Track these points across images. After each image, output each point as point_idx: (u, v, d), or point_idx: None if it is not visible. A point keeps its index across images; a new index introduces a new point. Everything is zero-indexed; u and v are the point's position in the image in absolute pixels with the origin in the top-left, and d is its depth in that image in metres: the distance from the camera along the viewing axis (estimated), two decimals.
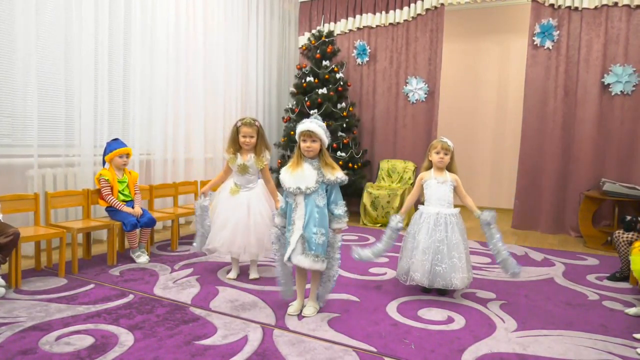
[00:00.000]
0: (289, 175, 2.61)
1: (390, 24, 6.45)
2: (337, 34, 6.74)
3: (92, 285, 3.12)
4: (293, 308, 2.72)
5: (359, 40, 6.64)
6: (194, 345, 2.26)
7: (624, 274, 3.53)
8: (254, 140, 3.24)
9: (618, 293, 3.26)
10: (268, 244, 3.16)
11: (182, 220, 5.23)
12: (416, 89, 6.26)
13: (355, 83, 6.69)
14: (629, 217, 3.56)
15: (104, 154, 3.82)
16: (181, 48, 5.16)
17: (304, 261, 2.56)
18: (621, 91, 5.11)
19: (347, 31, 6.74)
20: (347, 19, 6.72)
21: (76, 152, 4.16)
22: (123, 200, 3.78)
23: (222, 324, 2.54)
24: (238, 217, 3.20)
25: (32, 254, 3.58)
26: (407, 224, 3.29)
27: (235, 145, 3.28)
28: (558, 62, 5.43)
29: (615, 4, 5.09)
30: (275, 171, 5.91)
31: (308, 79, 6.05)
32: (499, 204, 7.24)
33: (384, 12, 6.45)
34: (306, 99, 5.98)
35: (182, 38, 5.16)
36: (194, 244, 3.44)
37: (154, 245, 4.28)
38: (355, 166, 5.95)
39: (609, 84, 5.16)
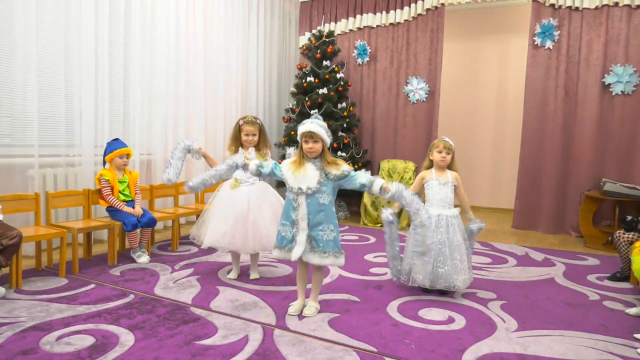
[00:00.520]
0: (290, 175, 2.62)
1: (390, 24, 6.45)
2: (338, 34, 6.74)
3: (92, 285, 3.12)
4: (294, 308, 2.72)
5: (359, 40, 6.64)
6: (195, 345, 2.26)
7: (624, 274, 3.53)
8: (256, 138, 3.27)
9: (619, 293, 3.26)
10: (267, 242, 3.16)
11: (182, 220, 5.22)
12: (417, 89, 6.26)
13: (356, 83, 6.69)
14: (629, 217, 3.56)
15: (105, 154, 3.82)
16: (181, 48, 5.16)
17: (313, 258, 2.58)
18: (622, 91, 5.10)
19: (348, 31, 6.74)
20: (347, 19, 6.72)
21: (77, 152, 4.16)
22: (123, 200, 3.78)
23: (223, 324, 2.54)
24: (238, 210, 3.20)
25: (33, 254, 3.58)
26: (408, 224, 3.29)
27: (237, 143, 3.30)
28: (558, 62, 5.42)
29: (616, 4, 5.09)
30: None
31: (308, 79, 6.04)
32: (499, 204, 7.25)
33: (384, 12, 6.45)
34: (306, 99, 5.98)
35: (182, 38, 5.17)
36: (164, 175, 3.35)
37: (154, 245, 4.28)
38: (356, 166, 5.94)
39: (609, 84, 5.16)
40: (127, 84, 4.61)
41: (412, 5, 6.24)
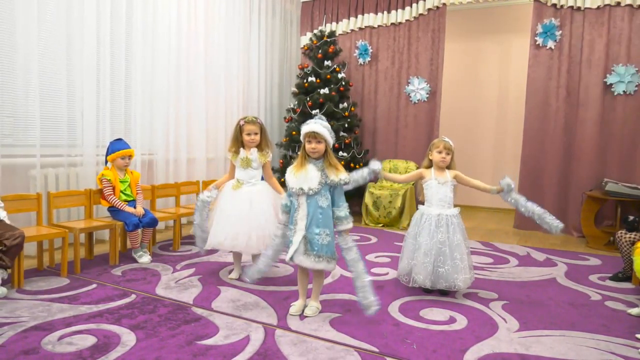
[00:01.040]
0: (292, 176, 2.61)
1: (392, 23, 6.45)
2: (339, 34, 6.74)
3: (94, 285, 3.12)
4: (295, 308, 2.72)
5: (360, 40, 6.64)
6: (196, 345, 2.27)
7: (626, 274, 3.52)
8: (257, 137, 3.27)
9: (620, 293, 3.25)
10: (270, 241, 3.16)
11: (184, 220, 5.22)
12: (418, 88, 6.26)
13: (357, 83, 6.69)
14: (631, 217, 3.55)
15: (107, 154, 3.82)
16: (183, 48, 5.17)
17: (305, 261, 2.57)
18: (623, 91, 5.10)
19: (349, 31, 6.74)
20: (348, 19, 6.72)
21: (78, 152, 4.17)
22: (125, 200, 3.79)
23: (224, 324, 2.54)
24: (240, 211, 3.19)
25: (35, 254, 3.58)
26: (408, 224, 3.29)
27: (238, 143, 3.29)
28: (560, 62, 5.42)
29: (618, 3, 5.08)
30: (277, 171, 5.91)
31: (310, 78, 6.05)
32: (501, 204, 7.21)
33: (385, 12, 6.45)
34: (308, 99, 5.98)
35: (183, 38, 5.17)
36: (198, 245, 3.39)
37: (156, 245, 4.28)
38: (357, 166, 5.95)
39: (611, 84, 5.15)
40: (128, 84, 4.61)
41: (414, 5, 6.24)
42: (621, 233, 3.51)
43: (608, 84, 5.16)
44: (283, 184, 2.84)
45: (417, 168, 5.92)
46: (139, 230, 3.73)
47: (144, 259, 3.73)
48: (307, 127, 2.59)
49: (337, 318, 2.66)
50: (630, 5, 5.03)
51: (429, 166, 3.20)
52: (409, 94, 6.34)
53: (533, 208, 3.02)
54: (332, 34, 6.27)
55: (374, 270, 3.69)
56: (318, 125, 2.57)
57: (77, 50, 4.07)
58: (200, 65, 5.41)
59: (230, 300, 2.92)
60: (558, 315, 2.81)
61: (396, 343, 2.35)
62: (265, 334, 2.42)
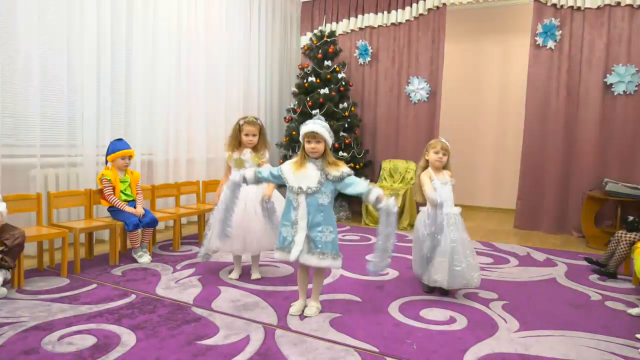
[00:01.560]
0: (291, 174, 2.62)
1: (392, 24, 6.45)
2: (339, 34, 6.74)
3: (94, 285, 3.12)
4: (295, 308, 2.72)
5: (360, 40, 6.64)
6: (196, 345, 2.27)
7: (610, 271, 3.55)
8: (256, 138, 3.26)
9: (620, 293, 3.25)
10: (267, 243, 3.15)
11: (184, 220, 5.23)
12: (418, 89, 6.26)
13: (357, 83, 6.69)
14: (631, 218, 3.56)
15: (107, 153, 3.82)
16: (183, 48, 5.17)
17: (310, 259, 2.58)
18: (624, 91, 5.10)
19: (349, 31, 6.74)
20: (349, 19, 6.72)
21: (78, 152, 4.17)
22: (125, 200, 3.79)
23: (224, 324, 2.54)
24: (236, 213, 3.17)
25: (35, 254, 3.58)
26: (410, 224, 3.28)
27: (236, 142, 3.28)
28: (560, 62, 5.42)
29: (618, 3, 5.08)
30: None
31: (310, 79, 6.05)
32: (501, 204, 7.24)
33: (385, 12, 6.45)
34: (308, 99, 5.98)
35: (183, 38, 5.17)
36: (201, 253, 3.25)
37: (156, 245, 4.28)
38: (357, 166, 5.95)
39: (611, 84, 5.15)
40: (128, 85, 4.61)
41: (414, 5, 6.24)
42: (621, 233, 3.51)
43: (608, 84, 5.16)
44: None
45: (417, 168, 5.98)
46: (139, 231, 3.73)
47: (144, 259, 3.73)
48: (306, 127, 2.60)
49: (337, 318, 2.66)
50: (630, 6, 5.03)
51: (425, 166, 3.20)
52: (409, 94, 6.34)
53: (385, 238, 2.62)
54: (332, 34, 6.27)
55: None
56: (317, 125, 2.58)
57: (77, 51, 4.07)
58: (201, 65, 5.41)
59: (230, 300, 2.92)
60: (558, 315, 2.81)
61: (396, 343, 2.35)
62: (265, 334, 2.42)
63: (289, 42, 7.19)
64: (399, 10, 6.35)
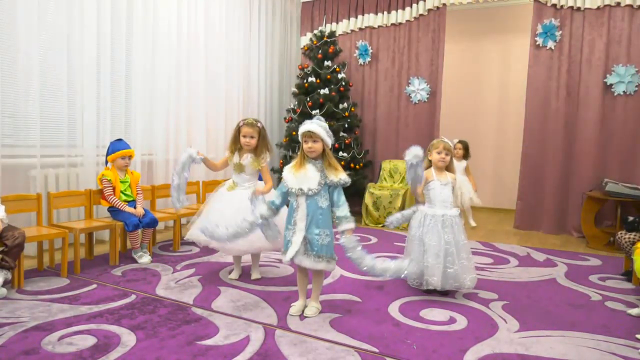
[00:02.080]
0: (292, 176, 2.62)
1: (392, 24, 6.45)
2: (339, 34, 6.75)
3: (94, 286, 3.12)
4: (295, 308, 2.72)
5: (360, 41, 6.64)
6: (196, 345, 2.27)
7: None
8: (254, 141, 3.23)
9: (620, 293, 3.25)
10: (261, 245, 3.13)
11: (184, 220, 5.22)
12: (418, 89, 6.26)
13: (357, 83, 6.69)
14: (631, 218, 3.55)
15: (107, 154, 3.82)
16: (183, 48, 5.17)
17: (305, 261, 2.58)
18: (624, 91, 5.10)
19: (349, 31, 6.74)
20: (349, 19, 6.72)
21: (79, 152, 4.17)
22: (125, 201, 3.79)
23: (224, 324, 2.54)
24: (230, 213, 3.17)
25: (35, 254, 3.58)
26: (408, 225, 3.28)
27: (236, 144, 3.27)
28: (560, 63, 5.42)
29: (618, 4, 5.08)
30: (277, 172, 5.91)
31: (310, 79, 6.05)
32: (501, 204, 7.24)
33: (385, 13, 6.45)
34: (308, 99, 5.99)
35: (183, 38, 5.17)
36: (172, 200, 3.16)
37: (156, 245, 4.29)
38: (357, 166, 5.96)
39: (611, 84, 5.15)
40: (128, 85, 4.62)
41: (414, 5, 6.24)
42: (621, 233, 3.51)
43: (608, 84, 5.17)
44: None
45: None
46: (139, 231, 3.74)
47: (144, 259, 3.73)
48: (303, 127, 2.60)
49: (337, 318, 2.66)
50: (630, 6, 5.03)
51: (428, 167, 3.20)
52: (409, 94, 6.34)
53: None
54: (332, 34, 6.27)
55: None
56: (314, 124, 2.58)
57: (77, 51, 4.07)
58: (201, 65, 5.41)
59: (230, 300, 2.92)
60: (558, 316, 2.81)
61: (396, 343, 2.35)
62: (265, 334, 2.42)
63: (289, 43, 7.19)
64: (399, 10, 6.36)
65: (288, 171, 2.65)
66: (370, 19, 6.55)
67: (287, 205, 2.75)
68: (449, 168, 3.18)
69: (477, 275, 3.15)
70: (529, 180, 5.63)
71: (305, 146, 2.60)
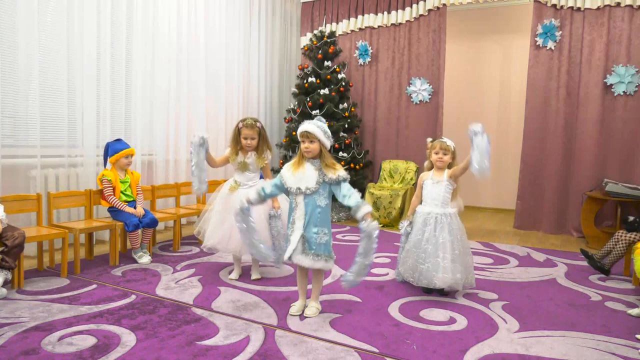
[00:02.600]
0: (290, 175, 2.62)
1: (392, 24, 6.45)
2: (339, 35, 6.75)
3: (94, 286, 3.12)
4: (295, 308, 2.72)
5: (360, 41, 6.64)
6: (196, 345, 2.27)
7: (605, 268, 3.58)
8: (255, 142, 3.24)
9: (620, 294, 3.25)
10: (268, 243, 3.15)
11: (184, 220, 5.23)
12: (420, 89, 6.26)
13: (357, 83, 6.69)
14: (631, 218, 3.56)
15: (107, 155, 3.82)
16: (183, 48, 5.17)
17: (304, 260, 2.58)
18: (624, 91, 5.10)
19: (349, 32, 6.74)
20: (349, 19, 6.72)
21: (79, 152, 4.17)
22: (125, 201, 3.79)
23: (224, 324, 2.54)
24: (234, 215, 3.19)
25: (35, 254, 3.58)
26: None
27: (237, 145, 3.28)
28: (560, 63, 5.42)
29: (618, 4, 5.08)
30: (278, 171, 5.90)
31: (310, 79, 6.05)
32: (502, 204, 7.24)
33: (385, 13, 6.45)
34: (308, 99, 5.98)
35: (183, 38, 5.17)
36: (194, 186, 3.15)
37: (156, 245, 4.28)
38: (357, 166, 5.95)
39: (611, 85, 5.15)
40: (128, 85, 4.62)
41: (414, 5, 6.24)
42: (621, 233, 3.51)
43: (608, 84, 5.17)
44: None
45: (417, 169, 6.00)
46: (139, 231, 3.74)
47: (144, 259, 3.73)
48: (301, 128, 2.61)
49: (337, 318, 2.66)
50: (630, 6, 5.03)
51: (431, 167, 3.23)
52: (410, 94, 6.34)
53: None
54: (332, 34, 6.27)
55: (373, 270, 3.68)
56: (311, 125, 2.59)
57: (77, 51, 4.07)
58: (201, 65, 5.41)
59: (230, 300, 2.92)
60: (558, 316, 2.81)
61: (396, 343, 2.35)
62: (266, 334, 2.42)
63: (289, 43, 7.19)
64: (399, 10, 6.36)
65: (287, 169, 2.66)
66: (370, 19, 6.55)
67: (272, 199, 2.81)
68: (450, 167, 3.19)
69: (460, 278, 2.99)
70: (529, 180, 5.63)
71: (302, 146, 2.61)
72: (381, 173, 6.26)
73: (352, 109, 6.12)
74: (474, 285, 3.20)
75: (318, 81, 6.02)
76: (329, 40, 6.17)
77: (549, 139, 5.50)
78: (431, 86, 6.19)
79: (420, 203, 3.23)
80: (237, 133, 3.26)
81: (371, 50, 6.59)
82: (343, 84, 6.06)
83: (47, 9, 3.86)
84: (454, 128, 7.06)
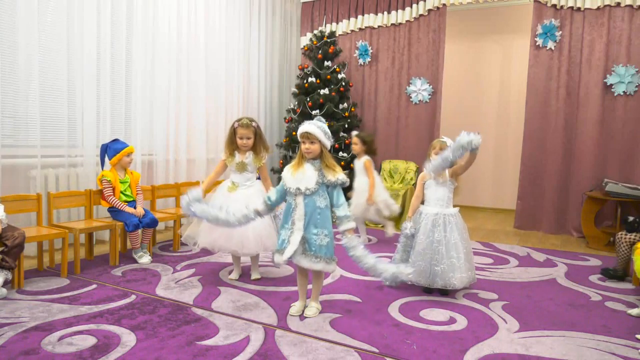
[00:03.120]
0: (290, 175, 2.62)
1: (392, 24, 6.45)
2: (339, 35, 6.75)
3: (94, 286, 3.12)
4: (295, 308, 2.72)
5: (360, 41, 6.64)
6: (196, 345, 2.27)
7: (618, 274, 3.54)
8: (251, 141, 3.23)
9: (620, 294, 3.25)
10: (267, 242, 3.16)
11: (184, 220, 5.23)
12: (420, 89, 6.26)
13: (357, 83, 6.69)
14: (631, 218, 3.55)
15: (106, 156, 3.81)
16: (183, 48, 5.17)
17: (303, 261, 2.58)
18: (624, 91, 5.10)
19: (349, 32, 6.74)
20: (349, 19, 6.72)
21: (79, 152, 4.17)
22: (125, 201, 3.79)
23: (224, 324, 2.54)
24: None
25: (35, 254, 3.58)
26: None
27: (233, 145, 3.27)
28: (560, 63, 5.42)
29: (618, 4, 5.08)
30: (277, 172, 5.91)
31: (310, 79, 6.05)
32: (501, 204, 7.24)
33: (385, 13, 6.45)
34: (308, 99, 5.99)
35: (183, 38, 5.17)
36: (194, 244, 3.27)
37: (156, 245, 4.29)
38: None
39: (611, 85, 5.15)
40: (128, 85, 4.61)
41: (414, 5, 6.24)
42: (621, 234, 3.51)
43: (608, 84, 5.17)
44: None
45: (417, 169, 6.00)
46: (139, 231, 3.74)
47: (144, 259, 3.73)
48: (301, 128, 2.61)
49: (337, 318, 2.66)
50: (630, 6, 5.03)
51: None
52: (410, 94, 6.34)
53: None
54: (332, 34, 6.27)
55: None
56: (312, 126, 2.58)
57: (77, 51, 4.07)
58: (201, 65, 5.41)
59: (230, 300, 2.92)
60: (558, 316, 2.81)
61: (396, 343, 2.35)
62: (266, 334, 2.42)
63: (289, 43, 7.19)
64: (399, 10, 6.36)
65: (287, 170, 2.66)
66: (370, 19, 6.55)
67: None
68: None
69: (473, 276, 3.14)
70: (529, 180, 5.63)
71: (302, 147, 2.60)
72: (381, 173, 6.26)
73: (352, 109, 6.12)
74: (476, 281, 3.24)
75: (318, 81, 6.02)
76: (329, 40, 6.18)
77: (549, 139, 5.50)
78: (431, 86, 6.20)
79: (422, 203, 3.23)
80: (233, 133, 3.24)
81: (371, 50, 6.59)
82: (343, 84, 6.07)
83: (47, 9, 3.86)
84: (454, 128, 7.06)
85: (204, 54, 5.44)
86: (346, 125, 5.98)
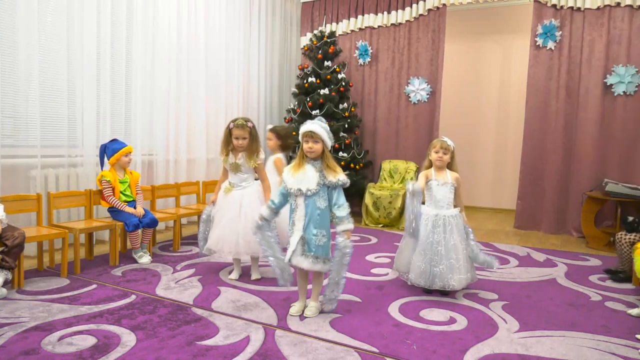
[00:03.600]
0: (290, 176, 2.62)
1: (392, 24, 6.45)
2: (339, 35, 6.75)
3: (94, 286, 3.12)
4: (295, 309, 2.72)
5: (360, 41, 6.64)
6: (196, 345, 2.27)
7: (627, 275, 3.52)
8: (246, 142, 3.22)
9: (620, 294, 3.25)
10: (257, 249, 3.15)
11: (184, 220, 5.23)
12: (418, 89, 6.26)
13: (357, 83, 6.69)
14: (631, 218, 3.55)
15: (105, 156, 3.80)
16: (183, 48, 5.17)
17: (303, 262, 2.57)
18: (624, 92, 5.10)
19: (349, 32, 6.74)
20: (349, 19, 6.72)
21: (79, 152, 4.17)
22: (125, 201, 3.79)
23: (224, 324, 2.54)
24: (230, 215, 3.20)
25: (35, 254, 3.58)
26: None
27: (228, 146, 3.27)
28: (560, 63, 5.42)
29: (618, 4, 5.08)
30: None
31: (310, 79, 6.05)
32: (502, 204, 7.24)
33: (385, 13, 6.45)
34: (308, 99, 5.98)
35: (183, 38, 5.17)
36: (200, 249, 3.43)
37: (156, 245, 4.28)
38: (357, 167, 5.95)
39: (611, 85, 5.15)
40: (128, 85, 4.61)
41: (414, 5, 6.24)
42: (621, 234, 3.51)
43: (608, 84, 5.17)
44: None
45: (417, 168, 5.99)
46: (139, 231, 3.73)
47: (144, 259, 3.73)
48: (304, 127, 2.61)
49: (337, 318, 2.66)
50: (630, 6, 5.03)
51: (429, 166, 3.22)
52: (409, 94, 6.34)
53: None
54: (332, 34, 6.27)
55: (373, 270, 3.69)
56: (315, 125, 2.58)
57: (77, 51, 4.07)
58: (201, 65, 5.41)
59: (230, 300, 2.92)
60: (558, 316, 2.81)
61: (396, 343, 2.35)
62: (266, 334, 2.42)
63: (289, 43, 7.19)
64: (399, 10, 6.36)
65: (287, 172, 2.66)
66: (370, 19, 6.55)
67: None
68: (450, 167, 3.18)
69: (472, 277, 3.13)
70: (529, 180, 5.63)
71: (305, 146, 2.60)
72: (381, 173, 6.26)
73: (352, 109, 6.12)
74: (477, 279, 3.24)
75: (318, 81, 6.02)
76: (329, 40, 6.17)
77: (549, 139, 5.50)
78: (430, 86, 6.20)
79: (423, 203, 3.22)
80: (228, 133, 3.25)
81: (371, 50, 6.59)
82: (343, 84, 6.06)
83: (47, 9, 3.86)
84: (454, 128, 7.08)
85: (204, 54, 5.44)
86: (346, 125, 5.98)
